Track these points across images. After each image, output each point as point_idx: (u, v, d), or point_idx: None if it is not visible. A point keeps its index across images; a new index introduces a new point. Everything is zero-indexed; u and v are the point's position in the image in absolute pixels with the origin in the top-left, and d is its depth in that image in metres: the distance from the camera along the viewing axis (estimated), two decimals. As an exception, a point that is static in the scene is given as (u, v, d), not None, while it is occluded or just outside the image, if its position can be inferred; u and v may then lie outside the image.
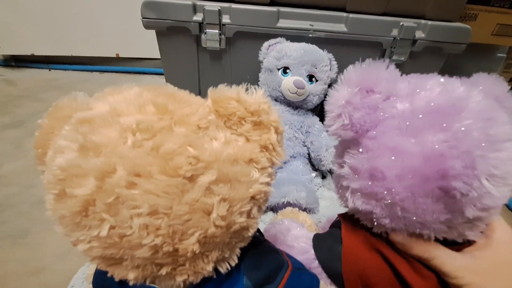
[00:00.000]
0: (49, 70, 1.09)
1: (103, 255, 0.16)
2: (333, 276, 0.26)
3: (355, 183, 0.22)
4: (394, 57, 0.65)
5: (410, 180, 0.19)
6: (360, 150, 0.22)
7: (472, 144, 0.17)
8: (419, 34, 0.64)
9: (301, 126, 0.61)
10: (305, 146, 0.62)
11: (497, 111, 0.19)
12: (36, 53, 1.05)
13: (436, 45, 0.65)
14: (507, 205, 0.66)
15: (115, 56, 1.06)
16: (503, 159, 0.18)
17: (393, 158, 0.19)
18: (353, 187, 0.22)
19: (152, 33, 0.64)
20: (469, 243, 0.22)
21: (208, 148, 0.16)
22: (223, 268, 0.19)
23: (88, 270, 0.28)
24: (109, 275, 0.18)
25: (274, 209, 0.51)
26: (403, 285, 0.22)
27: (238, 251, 0.20)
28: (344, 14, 0.62)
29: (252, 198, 0.18)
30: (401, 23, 0.63)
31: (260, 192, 0.18)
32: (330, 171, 0.63)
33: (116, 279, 0.18)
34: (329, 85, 0.62)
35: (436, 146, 0.18)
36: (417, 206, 0.19)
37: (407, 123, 0.20)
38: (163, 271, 0.17)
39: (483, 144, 0.17)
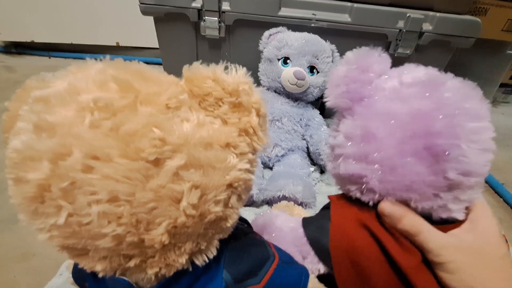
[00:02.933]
0: (49, 58, 1.08)
1: (65, 245, 0.15)
2: (320, 252, 0.26)
3: (348, 149, 0.24)
4: (399, 50, 0.63)
5: (398, 137, 0.21)
6: (354, 116, 0.24)
7: (452, 112, 0.20)
8: (426, 27, 0.62)
9: (301, 119, 0.59)
10: (304, 139, 0.60)
11: (473, 90, 0.22)
12: (36, 40, 1.04)
13: (443, 39, 0.63)
14: (505, 201, 0.65)
15: (115, 44, 1.05)
16: (479, 128, 0.20)
17: (383, 119, 0.22)
18: (346, 152, 0.24)
19: (152, 22, 0.62)
20: (454, 224, 0.22)
21: (177, 130, 0.15)
22: (200, 261, 0.18)
23: (69, 258, 0.27)
24: (79, 266, 0.17)
25: (270, 202, 0.50)
26: (389, 261, 0.22)
27: (216, 243, 0.19)
28: (349, 4, 0.60)
29: (230, 186, 0.16)
30: (408, 15, 0.60)
31: (238, 180, 0.16)
32: (329, 166, 0.62)
33: (88, 271, 0.17)
34: (331, 77, 0.60)
35: (422, 108, 0.21)
36: (404, 165, 0.21)
37: (396, 93, 0.22)
38: (132, 263, 0.16)
39: (460, 113, 0.20)
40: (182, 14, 0.59)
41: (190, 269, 0.18)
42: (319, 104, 0.66)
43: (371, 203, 0.23)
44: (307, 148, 0.60)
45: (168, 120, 0.15)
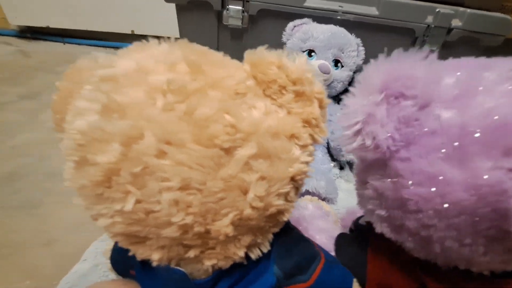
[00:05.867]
0: (64, 44, 1.08)
1: (126, 232, 0.14)
2: None
3: (381, 210, 0.19)
4: (426, 46, 0.61)
5: (455, 218, 0.15)
6: (388, 173, 0.17)
7: None
8: (456, 23, 0.60)
9: (322, 114, 0.58)
10: (325, 134, 0.59)
11: None
12: (51, 26, 1.04)
13: (473, 36, 0.61)
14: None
15: (130, 32, 1.04)
16: None
17: (433, 189, 0.15)
18: (379, 214, 0.19)
19: (168, 11, 0.61)
20: None
21: (247, 117, 0.14)
22: (254, 254, 0.17)
23: (105, 245, 0.27)
24: (130, 253, 0.16)
25: (291, 197, 0.49)
26: None
27: (271, 236, 0.18)
28: (377, -4, 0.58)
29: (292, 178, 0.15)
30: (437, 10, 0.58)
31: (300, 173, 0.16)
32: (349, 162, 0.61)
33: (138, 259, 0.16)
34: (354, 72, 0.59)
35: (496, 180, 0.14)
36: (464, 245, 0.16)
37: (455, 143, 0.15)
38: (191, 254, 0.15)
39: None
40: (205, 3, 0.58)
41: (245, 262, 0.17)
42: (338, 98, 0.65)
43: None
44: (327, 143, 0.59)
45: (237, 106, 0.14)
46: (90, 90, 0.14)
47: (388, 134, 0.16)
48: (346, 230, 0.38)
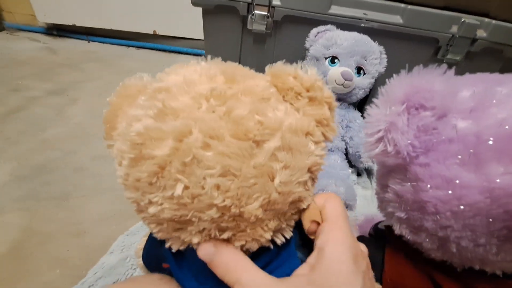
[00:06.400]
0: (88, 42, 1.12)
1: (173, 217, 0.16)
2: None
3: (401, 213, 0.20)
4: (449, 56, 0.61)
5: (470, 219, 0.16)
6: (408, 177, 0.18)
7: None
8: (480, 33, 0.59)
9: (342, 120, 0.59)
10: (343, 140, 0.60)
11: None
12: (77, 24, 1.07)
13: (497, 47, 0.61)
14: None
15: (152, 33, 1.07)
16: None
17: (450, 192, 0.16)
18: (399, 216, 0.20)
19: (190, 13, 0.63)
20: None
21: (272, 116, 0.17)
22: (280, 239, 0.19)
23: (137, 245, 0.30)
24: (168, 244, 0.18)
25: (309, 201, 0.50)
26: None
27: (293, 223, 0.20)
28: (402, 5, 0.58)
29: (309, 169, 0.18)
30: (462, 20, 0.58)
31: (316, 164, 0.18)
32: (366, 169, 0.61)
33: (175, 249, 0.18)
34: (376, 79, 0.59)
35: (507, 183, 0.15)
36: (478, 245, 0.17)
37: (471, 150, 0.16)
38: (225, 235, 0.17)
39: None
40: (232, 7, 0.59)
41: (271, 247, 0.19)
42: (357, 104, 0.65)
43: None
44: (346, 149, 0.60)
45: (264, 108, 0.17)
46: (145, 100, 0.17)
47: (408, 141, 0.18)
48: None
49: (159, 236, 0.18)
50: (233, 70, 0.19)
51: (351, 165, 0.61)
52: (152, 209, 0.16)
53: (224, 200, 0.15)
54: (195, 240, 0.17)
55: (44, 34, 1.13)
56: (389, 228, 0.24)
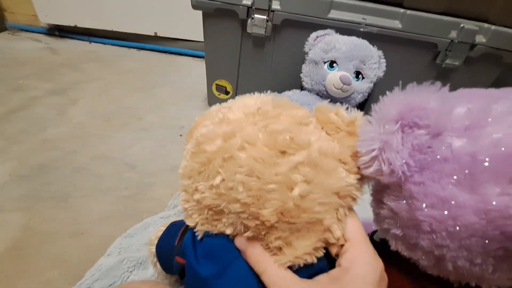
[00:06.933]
0: (89, 43, 1.12)
1: (211, 205, 0.19)
2: None
3: (397, 229, 0.20)
4: (448, 61, 0.61)
5: (466, 240, 0.16)
6: (403, 194, 0.18)
7: None
8: (480, 39, 0.60)
9: (340, 123, 0.59)
10: (342, 144, 0.60)
11: None
12: (79, 25, 1.08)
13: (496, 52, 0.61)
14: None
15: (153, 34, 1.07)
16: None
17: (445, 212, 0.16)
18: (395, 233, 0.20)
19: (191, 15, 0.64)
20: None
21: (303, 137, 0.18)
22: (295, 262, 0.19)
23: (152, 236, 0.32)
24: (198, 229, 0.21)
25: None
26: None
27: (313, 256, 0.19)
28: (401, 10, 0.58)
29: (337, 194, 0.18)
30: (462, 25, 0.59)
31: (344, 190, 0.18)
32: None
33: (201, 235, 0.21)
34: (374, 84, 0.59)
35: (504, 205, 0.15)
36: (474, 264, 0.17)
37: (466, 171, 0.16)
38: (249, 234, 0.19)
39: None
40: (231, 11, 0.60)
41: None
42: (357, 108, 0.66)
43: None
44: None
45: (299, 129, 0.19)
46: (213, 114, 0.22)
47: (403, 161, 0.17)
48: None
49: (199, 224, 0.21)
50: (282, 100, 0.22)
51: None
52: (196, 195, 0.19)
53: (245, 198, 0.17)
54: (228, 231, 0.20)
55: (45, 34, 1.14)
56: (384, 241, 0.24)
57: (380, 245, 0.25)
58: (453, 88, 0.19)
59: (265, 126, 0.19)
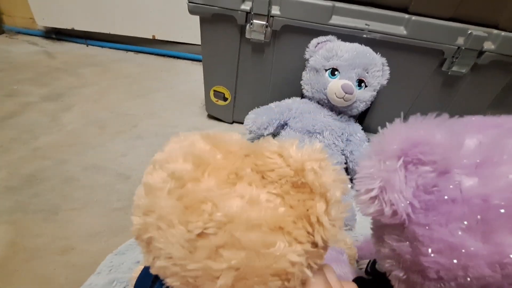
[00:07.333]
0: (87, 46, 1.10)
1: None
2: None
3: (400, 271, 0.18)
4: (455, 68, 0.59)
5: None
6: (406, 235, 0.16)
7: None
8: (488, 45, 0.57)
9: (342, 133, 0.57)
10: (343, 154, 0.58)
11: None
12: (76, 28, 1.06)
13: (505, 60, 0.58)
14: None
15: (151, 37, 1.05)
16: None
17: (455, 261, 0.14)
18: (397, 275, 0.18)
19: (190, 18, 0.61)
20: None
21: (226, 207, 0.14)
22: None
23: (133, 273, 0.30)
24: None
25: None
26: None
27: None
28: (406, 16, 0.56)
29: (276, 275, 0.14)
30: (469, 31, 0.56)
31: (284, 273, 0.14)
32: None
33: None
34: (377, 92, 0.57)
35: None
36: None
37: (478, 216, 0.14)
38: None
39: None
40: (229, 16, 0.58)
41: None
42: (357, 116, 0.63)
43: None
44: (346, 163, 0.58)
45: (222, 196, 0.15)
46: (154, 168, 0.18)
47: (408, 202, 0.16)
48: (364, 261, 0.37)
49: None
50: (212, 148, 0.17)
51: (351, 179, 0.59)
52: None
53: (174, 281, 0.15)
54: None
55: (43, 37, 1.12)
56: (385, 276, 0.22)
57: (384, 278, 0.23)
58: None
59: (179, 198, 0.15)
